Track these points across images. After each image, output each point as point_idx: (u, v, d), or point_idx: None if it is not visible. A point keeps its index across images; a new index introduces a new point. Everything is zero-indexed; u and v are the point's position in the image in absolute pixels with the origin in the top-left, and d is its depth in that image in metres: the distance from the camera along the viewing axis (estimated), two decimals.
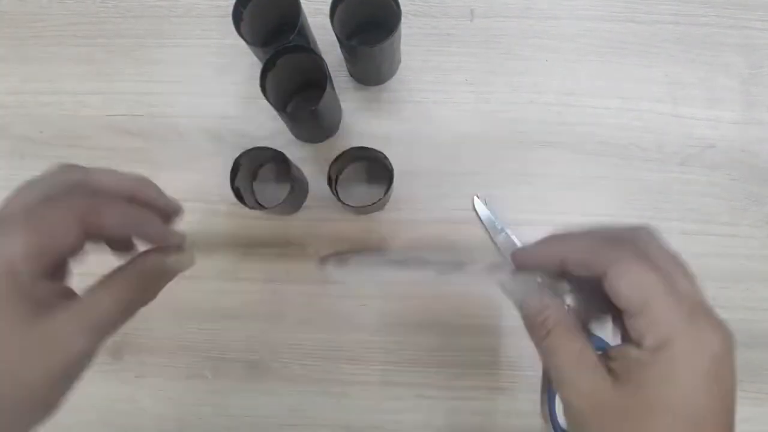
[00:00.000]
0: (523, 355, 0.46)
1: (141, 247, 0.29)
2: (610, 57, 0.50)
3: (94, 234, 0.25)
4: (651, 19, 0.50)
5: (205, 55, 0.51)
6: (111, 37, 0.52)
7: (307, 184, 0.48)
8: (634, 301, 0.23)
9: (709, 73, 0.49)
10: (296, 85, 0.48)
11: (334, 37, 0.42)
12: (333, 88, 0.44)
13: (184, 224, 0.32)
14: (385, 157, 0.42)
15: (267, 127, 0.49)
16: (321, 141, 0.49)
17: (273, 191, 0.48)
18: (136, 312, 0.26)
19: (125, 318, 0.25)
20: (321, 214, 0.48)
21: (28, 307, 0.23)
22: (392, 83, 0.50)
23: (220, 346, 0.47)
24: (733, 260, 0.47)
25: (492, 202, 0.47)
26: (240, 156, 0.42)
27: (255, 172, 0.48)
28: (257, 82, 0.41)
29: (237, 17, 0.42)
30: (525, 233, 0.46)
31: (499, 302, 0.46)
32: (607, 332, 0.28)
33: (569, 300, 0.28)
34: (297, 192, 0.43)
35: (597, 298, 0.26)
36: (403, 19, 0.41)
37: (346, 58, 0.47)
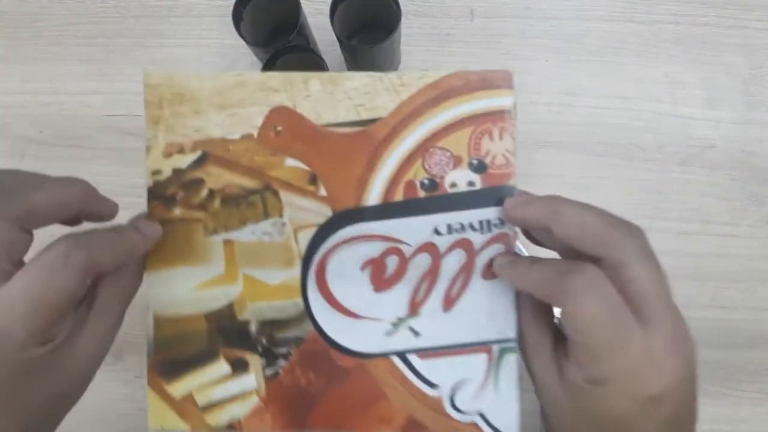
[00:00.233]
0: None
1: None
2: (610, 57, 0.50)
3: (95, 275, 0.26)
4: (651, 19, 0.50)
5: (205, 55, 0.51)
6: (111, 37, 0.52)
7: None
8: (577, 337, 0.23)
9: (709, 73, 0.49)
10: None
11: (334, 37, 0.42)
12: None
13: None
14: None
15: None
16: None
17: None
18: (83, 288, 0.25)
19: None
20: None
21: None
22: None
23: None
24: (733, 260, 0.47)
25: None
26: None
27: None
28: None
29: (237, 17, 0.42)
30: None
31: None
32: None
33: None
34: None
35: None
36: (403, 19, 0.41)
37: (346, 58, 0.47)
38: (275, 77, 0.29)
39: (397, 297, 0.29)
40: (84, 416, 0.30)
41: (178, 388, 0.29)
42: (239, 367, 0.29)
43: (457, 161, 0.29)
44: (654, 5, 0.50)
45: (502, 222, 0.28)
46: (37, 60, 0.51)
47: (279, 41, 0.41)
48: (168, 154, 0.29)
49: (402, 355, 0.29)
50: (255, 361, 0.29)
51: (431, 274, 0.29)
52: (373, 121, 0.29)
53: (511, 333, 0.28)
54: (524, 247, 0.45)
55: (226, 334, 0.29)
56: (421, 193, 0.29)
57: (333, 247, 0.29)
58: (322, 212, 0.29)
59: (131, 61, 0.51)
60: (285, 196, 0.29)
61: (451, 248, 0.29)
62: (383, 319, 0.29)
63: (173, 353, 0.29)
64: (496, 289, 0.29)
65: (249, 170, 0.29)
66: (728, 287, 0.47)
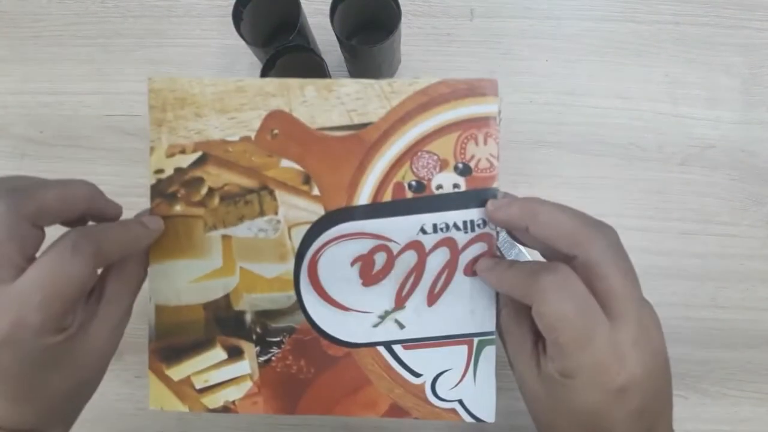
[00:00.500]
0: None
1: None
2: (610, 57, 0.50)
3: (103, 266, 0.28)
4: (651, 19, 0.50)
5: (205, 55, 0.51)
6: (111, 37, 0.52)
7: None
8: (549, 334, 0.25)
9: (709, 73, 0.49)
10: None
11: (334, 37, 0.42)
12: None
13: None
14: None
15: None
16: None
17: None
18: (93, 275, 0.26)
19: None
20: None
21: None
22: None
23: None
24: (733, 260, 0.47)
25: None
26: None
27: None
28: None
29: (237, 17, 0.42)
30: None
31: None
32: None
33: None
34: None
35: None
36: (403, 19, 0.41)
37: (346, 58, 0.47)
38: (273, 83, 0.30)
39: (384, 291, 0.31)
40: (84, 416, 0.30)
41: (177, 372, 0.31)
42: (234, 353, 0.31)
43: (443, 164, 0.30)
44: (654, 5, 0.50)
45: (484, 222, 0.30)
46: (37, 60, 0.51)
47: (279, 41, 0.41)
48: (170, 155, 0.31)
49: (388, 346, 0.31)
50: (249, 348, 0.31)
51: (417, 270, 0.30)
52: (364, 125, 0.30)
53: (490, 327, 0.30)
54: (528, 253, 0.45)
55: (223, 323, 0.31)
56: (409, 194, 0.30)
57: (325, 244, 0.30)
58: (315, 211, 0.31)
59: (131, 61, 0.51)
60: (280, 195, 0.31)
61: (436, 246, 0.30)
62: (371, 311, 0.31)
63: (173, 340, 0.31)
64: (477, 286, 0.30)
65: (246, 170, 0.31)
66: (728, 287, 0.47)
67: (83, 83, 0.51)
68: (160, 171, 0.31)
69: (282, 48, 0.41)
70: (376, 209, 0.30)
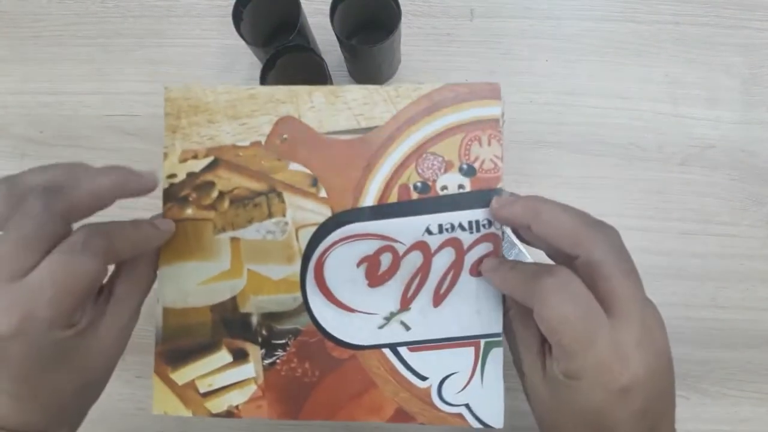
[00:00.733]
0: None
1: None
2: (610, 57, 0.50)
3: (113, 263, 0.28)
4: (651, 19, 0.50)
5: (205, 55, 0.51)
6: (111, 37, 0.52)
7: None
8: (559, 335, 0.25)
9: (709, 73, 0.49)
10: (296, 85, 0.48)
11: (334, 37, 0.42)
12: None
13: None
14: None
15: None
16: None
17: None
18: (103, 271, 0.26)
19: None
20: None
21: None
22: (392, 83, 0.50)
23: None
24: (733, 260, 0.47)
25: None
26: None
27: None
28: (257, 82, 0.41)
29: (237, 17, 0.42)
30: None
31: None
32: None
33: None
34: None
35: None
36: (403, 19, 0.41)
37: (346, 58, 0.47)
38: (282, 90, 0.32)
39: (390, 292, 0.31)
40: None
41: (182, 375, 0.31)
42: (240, 356, 0.31)
43: (448, 166, 0.31)
44: (654, 5, 0.50)
45: (489, 222, 0.30)
46: (37, 60, 0.51)
47: (279, 41, 0.41)
48: (183, 160, 0.32)
49: (393, 348, 0.30)
50: (255, 351, 0.31)
51: (422, 271, 0.30)
52: (371, 129, 0.31)
53: (497, 328, 0.30)
54: (528, 252, 0.45)
55: (229, 325, 0.31)
56: (414, 196, 0.31)
57: (331, 245, 0.31)
58: (322, 212, 0.31)
59: (131, 61, 0.51)
60: (288, 197, 0.31)
61: (441, 247, 0.30)
62: (376, 313, 0.31)
63: (179, 343, 0.31)
64: (483, 286, 0.30)
65: (256, 174, 0.31)
66: (728, 287, 0.47)
67: (83, 83, 0.51)
68: (172, 176, 0.32)
69: (282, 48, 0.41)
70: (382, 210, 0.31)
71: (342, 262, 0.31)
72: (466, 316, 0.30)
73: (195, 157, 0.31)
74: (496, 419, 0.30)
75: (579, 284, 0.24)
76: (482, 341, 0.30)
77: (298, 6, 0.42)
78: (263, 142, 0.31)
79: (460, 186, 0.30)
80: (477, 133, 0.30)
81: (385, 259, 0.30)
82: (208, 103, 0.31)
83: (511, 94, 0.49)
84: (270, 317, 0.31)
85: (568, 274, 0.25)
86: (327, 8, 0.41)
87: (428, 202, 0.30)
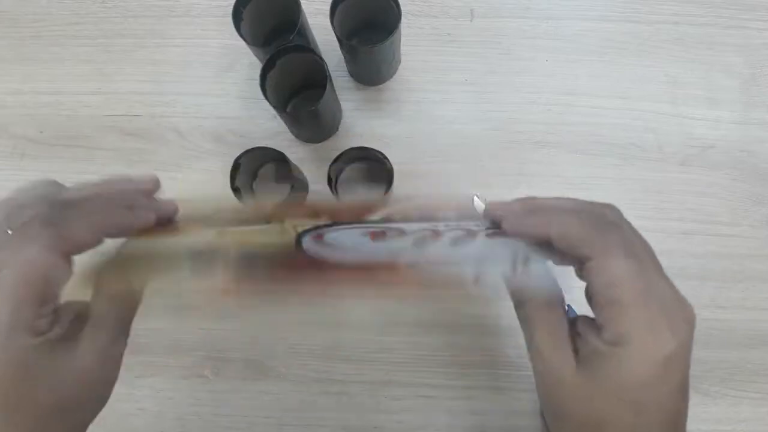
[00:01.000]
0: (522, 355, 0.46)
1: None
2: (610, 57, 0.50)
3: (73, 251, 0.25)
4: (651, 19, 0.50)
5: (205, 55, 0.51)
6: (111, 37, 0.52)
7: (307, 183, 0.48)
8: (605, 296, 0.24)
9: (709, 73, 0.49)
10: (296, 85, 0.48)
11: (334, 37, 0.42)
12: (333, 88, 0.44)
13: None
14: (385, 158, 0.42)
15: (267, 127, 0.49)
16: (321, 141, 0.49)
17: (273, 191, 0.48)
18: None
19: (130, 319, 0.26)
20: None
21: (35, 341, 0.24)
22: (392, 83, 0.50)
23: (220, 346, 0.47)
24: (733, 260, 0.47)
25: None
26: (240, 156, 0.42)
27: (255, 172, 0.48)
28: (257, 82, 0.41)
29: (237, 17, 0.42)
30: None
31: (498, 301, 0.46)
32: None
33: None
34: (297, 192, 0.43)
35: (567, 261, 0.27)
36: (403, 19, 0.41)
37: (346, 58, 0.47)
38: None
39: (398, 242, 0.30)
40: None
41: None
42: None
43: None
44: (654, 5, 0.50)
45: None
46: (37, 60, 0.51)
47: (279, 41, 0.41)
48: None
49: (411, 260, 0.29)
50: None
51: (434, 236, 0.30)
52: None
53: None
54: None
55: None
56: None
57: (331, 228, 0.30)
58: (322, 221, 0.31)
59: (131, 61, 0.51)
60: (289, 221, 0.31)
61: (452, 229, 0.30)
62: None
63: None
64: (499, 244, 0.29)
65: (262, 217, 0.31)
66: (728, 287, 0.47)
67: (83, 83, 0.51)
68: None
69: (282, 48, 0.41)
70: (386, 221, 0.31)
71: (344, 235, 0.30)
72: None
73: None
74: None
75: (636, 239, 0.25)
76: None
77: (298, 6, 0.42)
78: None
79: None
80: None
81: (392, 233, 0.30)
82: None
83: (511, 94, 0.49)
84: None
85: (628, 227, 0.26)
86: (327, 8, 0.41)
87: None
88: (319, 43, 0.48)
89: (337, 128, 0.49)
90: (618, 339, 0.24)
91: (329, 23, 0.41)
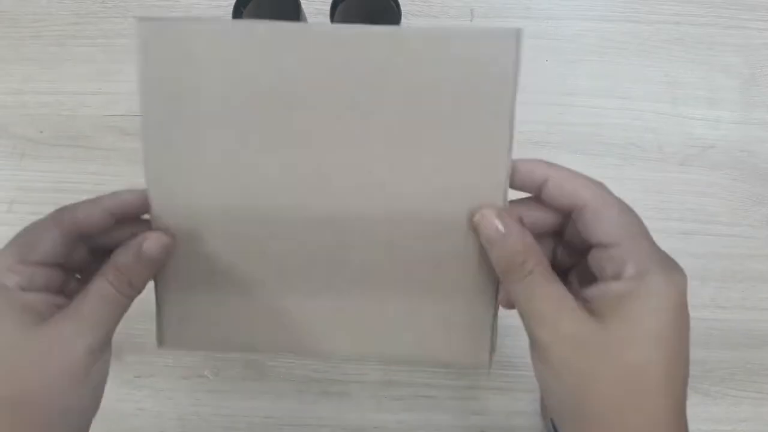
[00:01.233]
0: (522, 355, 0.46)
1: None
2: (610, 57, 0.50)
3: (73, 233, 0.25)
4: (651, 19, 0.50)
5: None
6: (111, 37, 0.52)
7: None
8: (615, 232, 0.24)
9: (709, 73, 0.49)
10: None
11: None
12: None
13: None
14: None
15: None
16: None
17: None
18: (129, 305, 0.26)
19: (119, 312, 0.25)
20: None
21: (22, 317, 0.23)
22: None
23: None
24: (733, 260, 0.47)
25: None
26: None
27: None
28: None
29: (237, 17, 0.42)
30: None
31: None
32: None
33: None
34: None
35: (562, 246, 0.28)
36: (403, 19, 0.41)
37: None
38: None
39: None
40: None
41: None
42: None
43: None
44: (654, 5, 0.50)
45: None
46: (37, 60, 0.51)
47: None
48: None
49: None
50: None
51: None
52: None
53: None
54: None
55: None
56: None
57: None
58: None
59: (131, 61, 0.51)
60: None
61: None
62: None
63: None
64: None
65: None
66: (728, 287, 0.47)
67: (83, 83, 0.51)
68: None
69: None
70: None
71: None
72: None
73: None
74: None
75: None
76: None
77: (298, 6, 0.42)
78: None
79: None
80: None
81: None
82: None
83: None
84: None
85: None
86: (327, 8, 0.41)
87: None
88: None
89: None
90: (640, 272, 0.23)
91: (329, 23, 0.41)
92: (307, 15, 0.44)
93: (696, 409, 0.45)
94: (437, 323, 0.28)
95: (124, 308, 0.26)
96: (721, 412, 0.45)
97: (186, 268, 0.28)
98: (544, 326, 0.24)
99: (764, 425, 0.45)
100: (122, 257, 0.25)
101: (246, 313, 0.29)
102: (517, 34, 0.26)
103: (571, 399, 0.24)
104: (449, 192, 0.27)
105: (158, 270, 0.27)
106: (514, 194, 0.28)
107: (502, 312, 0.47)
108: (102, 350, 0.25)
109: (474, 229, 0.27)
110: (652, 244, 0.24)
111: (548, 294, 0.24)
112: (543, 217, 0.28)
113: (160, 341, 0.29)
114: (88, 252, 0.27)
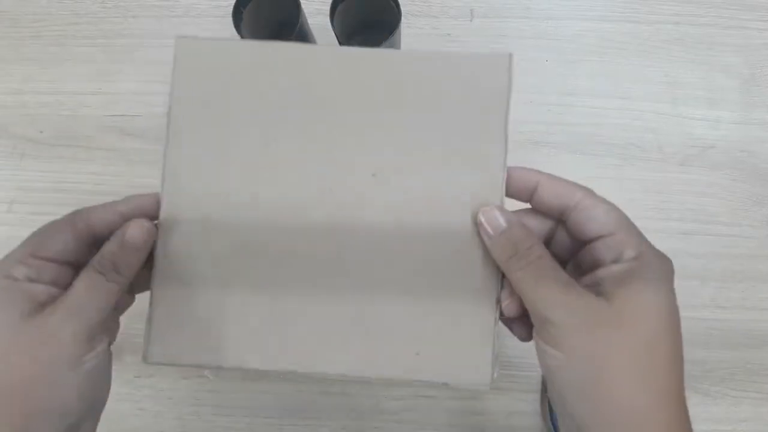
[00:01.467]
0: (522, 355, 0.46)
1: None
2: (610, 57, 0.50)
3: (85, 235, 0.27)
4: (651, 19, 0.50)
5: None
6: (111, 37, 0.52)
7: None
8: (610, 223, 0.26)
9: (709, 73, 0.49)
10: None
11: (334, 37, 0.42)
12: None
13: None
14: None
15: None
16: None
17: None
18: (118, 293, 0.26)
19: (108, 304, 0.26)
20: None
21: (23, 306, 0.24)
22: None
23: None
24: (733, 260, 0.47)
25: None
26: None
27: None
28: None
29: (237, 17, 0.42)
30: None
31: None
32: None
33: None
34: None
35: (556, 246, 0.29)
36: (403, 19, 0.41)
37: None
38: None
39: None
40: None
41: None
42: None
43: None
44: (654, 5, 0.50)
45: None
46: (37, 60, 0.51)
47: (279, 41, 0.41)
48: None
49: None
50: None
51: None
52: None
53: None
54: None
55: None
56: None
57: None
58: None
59: (131, 61, 0.51)
60: None
61: None
62: None
63: None
64: None
65: None
66: (728, 287, 0.47)
67: (83, 83, 0.51)
68: None
69: None
70: None
71: None
72: None
73: None
74: None
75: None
76: None
77: (298, 6, 0.42)
78: None
79: None
80: None
81: None
82: None
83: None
84: None
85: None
86: (327, 8, 0.41)
87: None
88: (319, 44, 0.48)
89: None
90: (638, 253, 0.25)
91: (329, 23, 0.41)
92: (307, 15, 0.44)
93: (696, 409, 0.45)
94: (437, 337, 0.28)
95: (113, 295, 0.26)
96: (721, 412, 0.45)
97: (187, 269, 0.28)
98: (555, 307, 0.24)
99: (764, 425, 0.45)
100: (108, 245, 0.26)
101: (242, 320, 0.28)
102: (509, 59, 0.30)
103: (581, 379, 0.24)
104: (449, 199, 0.28)
105: (144, 257, 0.27)
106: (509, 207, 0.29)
107: None
108: (93, 338, 0.25)
109: (477, 226, 0.27)
110: (640, 232, 0.26)
111: (556, 277, 0.25)
112: (536, 226, 0.29)
113: (147, 355, 0.29)
114: None
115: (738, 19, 0.50)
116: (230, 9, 0.41)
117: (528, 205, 0.29)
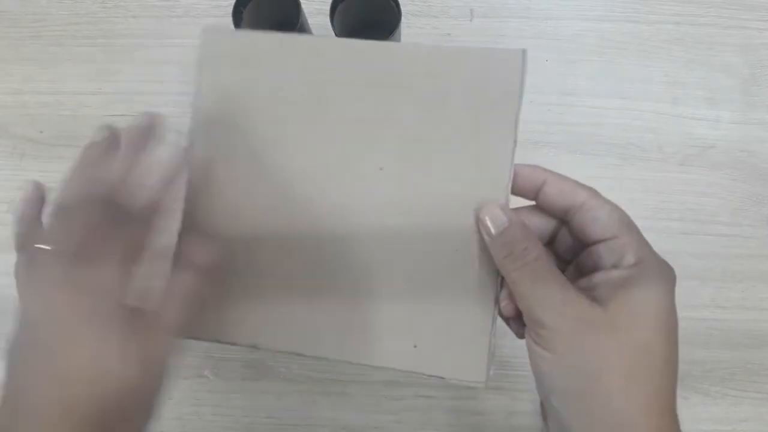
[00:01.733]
0: (522, 355, 0.46)
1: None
2: (610, 57, 0.50)
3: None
4: (651, 19, 0.50)
5: None
6: (111, 37, 0.52)
7: None
8: (613, 226, 0.26)
9: (709, 73, 0.49)
10: None
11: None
12: None
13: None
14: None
15: None
16: None
17: None
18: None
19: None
20: None
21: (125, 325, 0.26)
22: None
23: (220, 346, 0.47)
24: (733, 260, 0.47)
25: None
26: None
27: None
28: None
29: (237, 17, 0.42)
30: None
31: None
32: None
33: None
34: None
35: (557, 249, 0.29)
36: (403, 19, 0.41)
37: None
38: None
39: None
40: None
41: None
42: None
43: None
44: (654, 5, 0.50)
45: None
46: (37, 60, 0.51)
47: None
48: None
49: None
50: None
51: None
52: None
53: None
54: None
55: None
56: None
57: None
58: None
59: (131, 61, 0.51)
60: None
61: None
62: None
63: None
64: None
65: None
66: (728, 287, 0.47)
67: (83, 83, 0.51)
68: None
69: None
70: None
71: None
72: None
73: None
74: None
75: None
76: None
77: (298, 6, 0.42)
78: None
79: None
80: None
81: None
82: None
83: None
84: None
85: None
86: (327, 8, 0.41)
87: None
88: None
89: None
90: (638, 260, 0.25)
91: (329, 23, 0.41)
92: (307, 15, 0.44)
93: (696, 409, 0.45)
94: (434, 331, 0.29)
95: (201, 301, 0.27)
96: (721, 412, 0.45)
97: None
98: (549, 310, 0.25)
99: (764, 425, 0.45)
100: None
101: (252, 305, 0.30)
102: (522, 55, 0.30)
103: (570, 382, 0.24)
104: (455, 196, 0.28)
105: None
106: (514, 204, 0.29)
107: None
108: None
109: (477, 222, 0.27)
110: (643, 237, 0.26)
111: (553, 279, 0.25)
112: (540, 224, 0.29)
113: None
114: None
115: (738, 19, 0.50)
116: (230, 9, 0.41)
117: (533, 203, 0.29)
